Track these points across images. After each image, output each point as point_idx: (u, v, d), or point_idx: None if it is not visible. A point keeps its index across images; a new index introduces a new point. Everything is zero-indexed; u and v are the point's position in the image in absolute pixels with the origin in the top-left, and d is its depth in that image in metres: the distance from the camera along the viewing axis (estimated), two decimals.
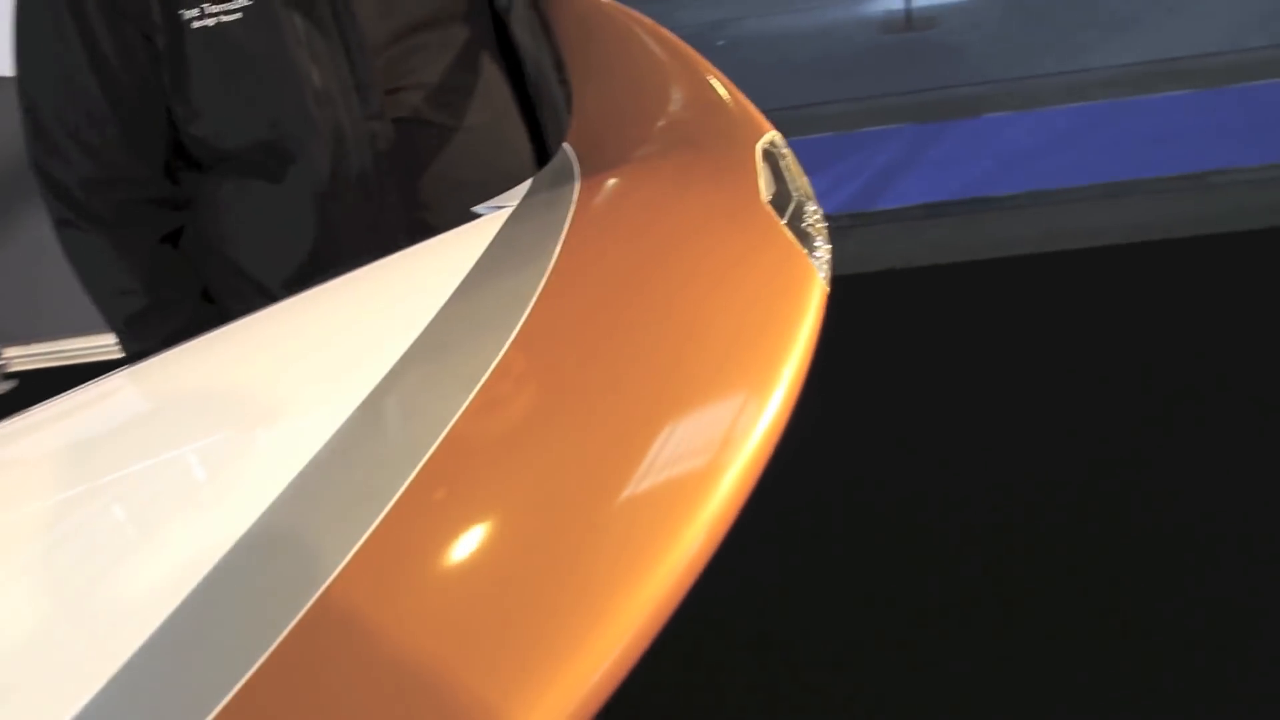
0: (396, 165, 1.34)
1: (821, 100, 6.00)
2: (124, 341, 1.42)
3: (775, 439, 0.67)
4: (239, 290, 1.41)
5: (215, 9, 1.24)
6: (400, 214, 1.35)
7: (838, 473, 2.77)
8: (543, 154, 1.50)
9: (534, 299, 0.82)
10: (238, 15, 1.24)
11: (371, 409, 0.73)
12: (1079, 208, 4.25)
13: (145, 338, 1.39)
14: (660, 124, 1.16)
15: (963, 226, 4.27)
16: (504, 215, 1.02)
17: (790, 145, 1.08)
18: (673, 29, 1.39)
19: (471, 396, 0.72)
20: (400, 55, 1.34)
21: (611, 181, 1.04)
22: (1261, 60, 5.50)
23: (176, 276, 1.41)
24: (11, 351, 3.93)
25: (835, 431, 2.77)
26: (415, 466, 0.66)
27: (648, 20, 1.28)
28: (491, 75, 1.44)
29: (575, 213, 0.95)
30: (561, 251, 0.88)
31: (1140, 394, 2.96)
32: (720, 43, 7.45)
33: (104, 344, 3.80)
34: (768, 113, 1.14)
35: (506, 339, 0.77)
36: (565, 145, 1.21)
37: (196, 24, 1.24)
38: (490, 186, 1.34)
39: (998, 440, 2.87)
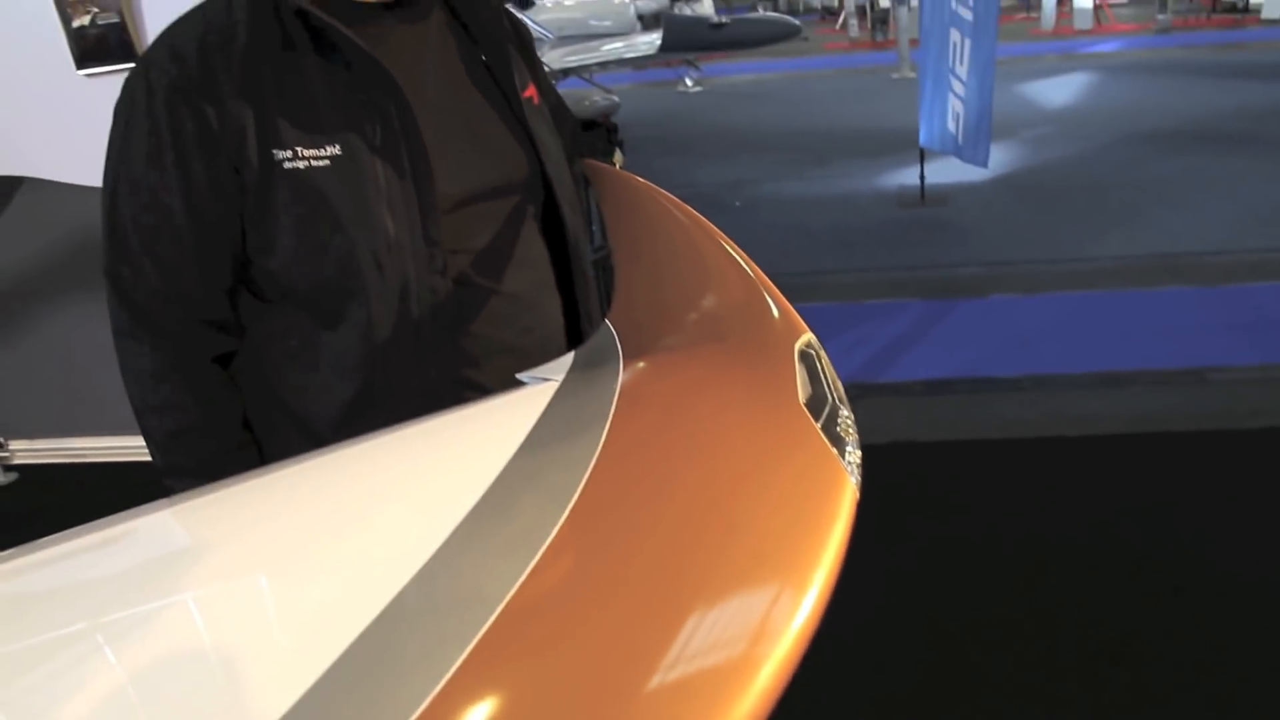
0: (449, 322, 1.41)
1: (833, 269, 6.16)
2: (161, 455, 1.45)
3: (809, 637, 0.71)
4: (279, 423, 1.45)
5: (307, 153, 1.30)
6: (447, 369, 1.41)
7: (834, 643, 2.78)
8: (574, 323, 1.58)
9: (584, 479, 0.86)
10: (326, 162, 1.31)
11: (431, 576, 0.76)
12: (1079, 394, 4.33)
13: (184, 454, 1.43)
14: (702, 314, 1.23)
15: (964, 405, 4.34)
16: (552, 388, 1.08)
17: (799, 311, 1.14)
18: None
19: (526, 573, 0.75)
20: (459, 220, 1.41)
21: (655, 368, 1.10)
22: (1260, 262, 5.67)
23: (223, 399, 1.44)
24: (16, 445, 3.97)
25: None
26: (472, 640, 0.69)
27: (693, 211, 1.35)
28: (534, 244, 1.52)
29: (620, 396, 1.00)
30: (609, 434, 0.93)
31: (1130, 585, 2.99)
32: (737, 203, 7.68)
33: (105, 445, 3.83)
34: (779, 277, 1.20)
35: (560, 516, 0.81)
36: (607, 322, 1.27)
37: (288, 164, 1.30)
38: (530, 351, 1.40)
39: (987, 618, 2.89)
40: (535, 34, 10.84)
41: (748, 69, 15.25)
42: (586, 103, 11.78)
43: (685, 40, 10.26)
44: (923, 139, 7.01)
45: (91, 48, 2.94)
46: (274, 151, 1.31)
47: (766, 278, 1.18)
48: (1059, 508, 3.42)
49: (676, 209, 1.37)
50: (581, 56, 9.78)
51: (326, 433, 1.40)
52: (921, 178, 7.37)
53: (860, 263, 6.31)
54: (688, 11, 14.17)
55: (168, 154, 1.32)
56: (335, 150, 1.31)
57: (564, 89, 10.88)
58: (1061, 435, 3.94)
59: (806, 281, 5.77)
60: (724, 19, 10.57)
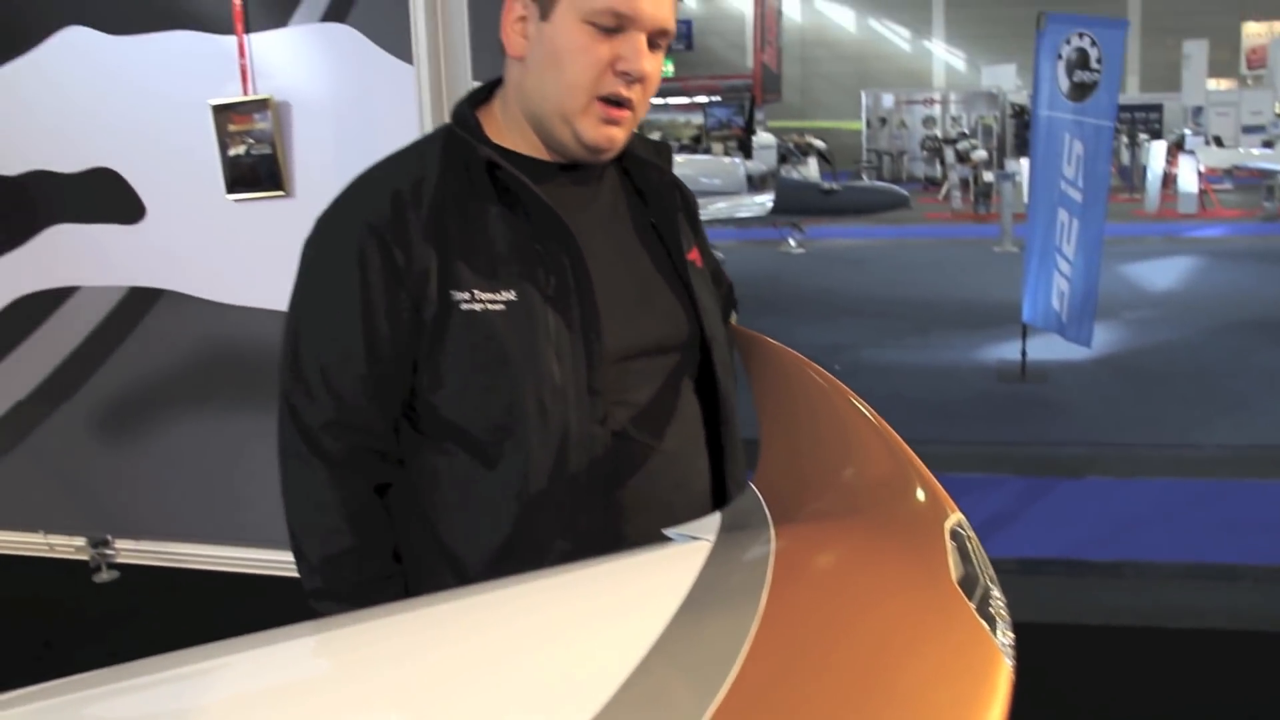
0: (605, 473, 1.42)
1: (929, 440, 6.10)
2: (313, 577, 1.48)
3: None
4: (429, 556, 1.48)
5: (484, 296, 1.37)
6: (597, 521, 1.43)
7: None
8: (720, 480, 1.58)
9: (745, 648, 0.86)
10: (502, 306, 1.37)
11: None
12: (1182, 585, 4.21)
13: (337, 579, 1.46)
14: (850, 485, 1.24)
15: (1061, 588, 4.24)
16: (704, 550, 1.09)
17: None
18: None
19: None
20: (620, 373, 1.44)
21: (808, 539, 1.11)
22: None
23: (381, 527, 1.48)
24: (122, 544, 4.03)
25: None
26: None
27: (838, 381, 1.38)
28: (689, 402, 1.53)
29: (775, 567, 1.01)
30: (766, 604, 0.93)
31: None
32: (837, 367, 7.64)
33: (210, 554, 3.87)
34: None
35: (721, 686, 0.80)
36: (752, 486, 1.29)
37: (465, 306, 1.37)
38: (677, 507, 1.42)
39: None
40: None
41: (850, 234, 15.41)
42: None
43: (796, 204, 10.46)
44: (1026, 315, 7.00)
45: (243, 175, 3.10)
46: (453, 293, 1.37)
47: (913, 453, 1.19)
48: (1159, 701, 3.30)
49: (821, 378, 1.40)
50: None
51: (475, 571, 1.42)
52: (1023, 353, 7.33)
53: (958, 435, 6.27)
54: (795, 175, 14.46)
55: (354, 290, 1.39)
56: (511, 296, 1.38)
57: None
58: (1163, 626, 3.82)
59: None
60: (835, 185, 10.76)
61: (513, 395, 1.38)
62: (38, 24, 3.25)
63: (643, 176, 1.57)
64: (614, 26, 1.36)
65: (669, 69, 35.44)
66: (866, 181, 15.46)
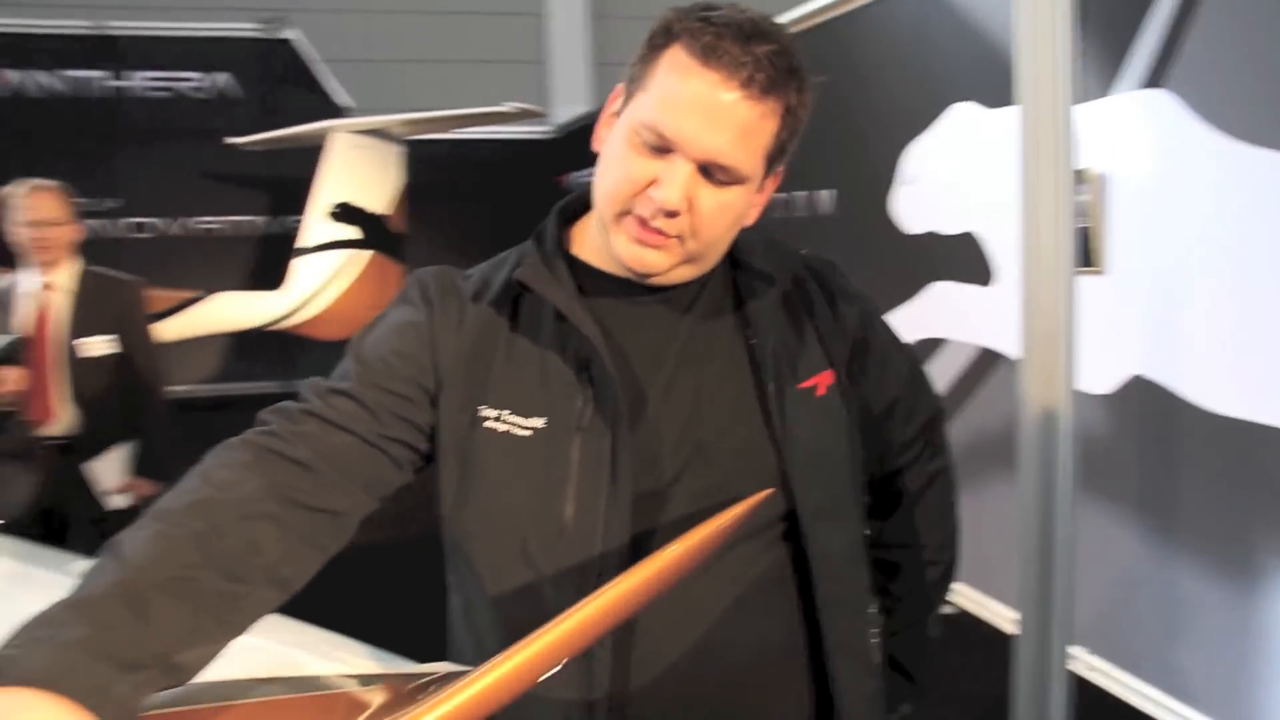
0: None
1: None
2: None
3: None
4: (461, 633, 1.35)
5: (512, 418, 1.24)
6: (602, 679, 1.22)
7: None
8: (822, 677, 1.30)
9: None
10: (528, 433, 1.24)
11: None
12: None
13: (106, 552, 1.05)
14: None
15: None
16: None
17: None
18: None
19: None
20: (655, 520, 1.24)
21: None
22: None
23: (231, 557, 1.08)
24: None
25: None
26: None
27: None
28: (752, 563, 1.27)
29: None
30: None
31: None
32: None
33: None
34: None
35: None
36: None
37: (487, 424, 1.25)
38: (705, 682, 1.24)
39: None
40: None
41: None
42: None
43: None
44: None
45: None
46: (480, 409, 1.26)
47: None
48: None
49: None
50: None
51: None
52: None
53: None
54: None
55: (380, 355, 1.27)
56: (540, 423, 1.24)
57: None
58: None
59: None
60: None
61: (519, 528, 1.24)
62: (937, 101, 3.59)
63: (749, 289, 1.30)
64: (659, 146, 1.18)
65: None
66: None
